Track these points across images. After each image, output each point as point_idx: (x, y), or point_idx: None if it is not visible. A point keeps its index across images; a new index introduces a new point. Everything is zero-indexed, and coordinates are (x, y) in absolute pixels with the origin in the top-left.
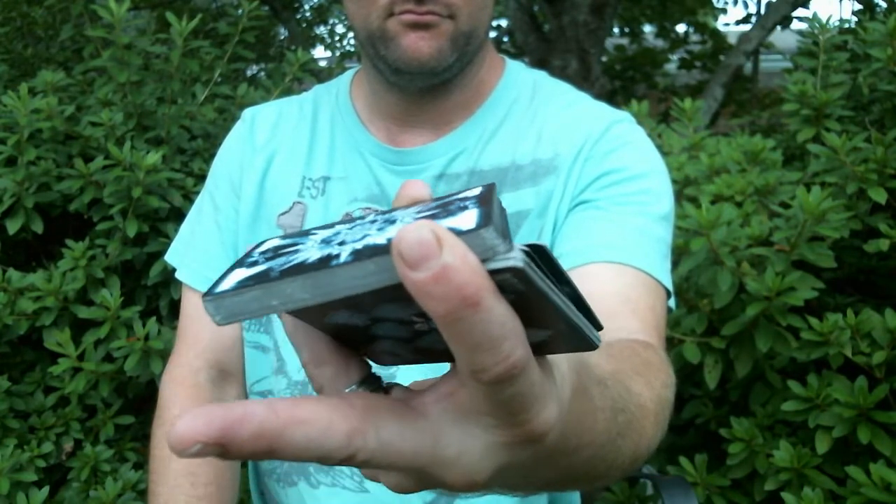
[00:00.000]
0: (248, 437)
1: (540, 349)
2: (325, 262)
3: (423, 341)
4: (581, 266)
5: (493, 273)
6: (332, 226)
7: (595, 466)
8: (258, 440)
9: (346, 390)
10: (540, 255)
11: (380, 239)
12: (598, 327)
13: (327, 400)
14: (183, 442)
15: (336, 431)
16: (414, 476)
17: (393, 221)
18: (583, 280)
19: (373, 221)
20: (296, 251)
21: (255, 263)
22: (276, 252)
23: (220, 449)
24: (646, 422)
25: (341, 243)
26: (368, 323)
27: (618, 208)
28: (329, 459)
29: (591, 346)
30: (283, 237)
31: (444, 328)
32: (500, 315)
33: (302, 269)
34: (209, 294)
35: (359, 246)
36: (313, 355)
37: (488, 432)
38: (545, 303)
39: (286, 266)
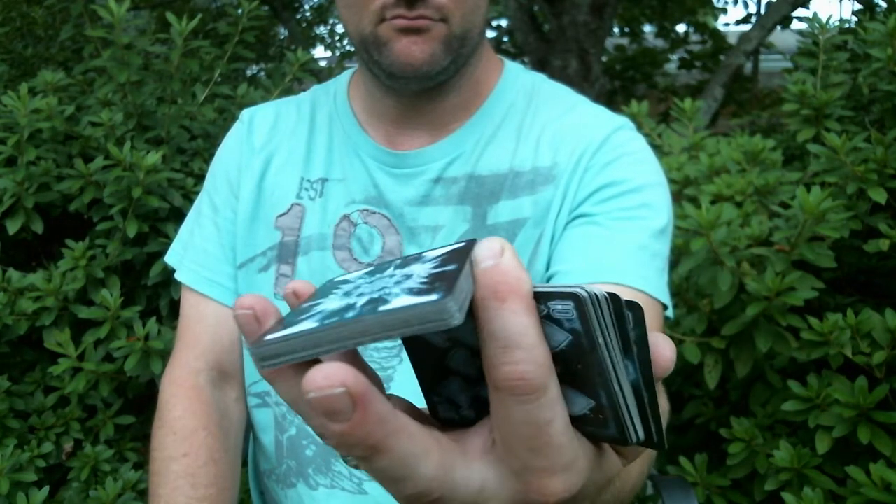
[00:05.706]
0: (380, 410)
1: (579, 423)
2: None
3: (484, 389)
4: None
5: (555, 295)
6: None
7: None
8: (382, 425)
9: None
10: (618, 316)
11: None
12: (660, 445)
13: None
14: (329, 379)
15: (432, 459)
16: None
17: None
18: None
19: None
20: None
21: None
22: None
23: (350, 405)
24: (633, 470)
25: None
26: (447, 346)
27: (617, 224)
28: (413, 482)
29: (625, 439)
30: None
31: (477, 318)
32: (523, 325)
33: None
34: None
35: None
36: None
37: (508, 486)
38: (594, 358)
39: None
